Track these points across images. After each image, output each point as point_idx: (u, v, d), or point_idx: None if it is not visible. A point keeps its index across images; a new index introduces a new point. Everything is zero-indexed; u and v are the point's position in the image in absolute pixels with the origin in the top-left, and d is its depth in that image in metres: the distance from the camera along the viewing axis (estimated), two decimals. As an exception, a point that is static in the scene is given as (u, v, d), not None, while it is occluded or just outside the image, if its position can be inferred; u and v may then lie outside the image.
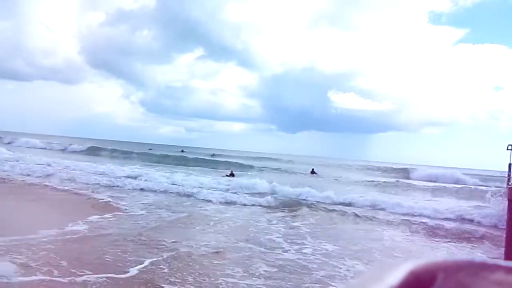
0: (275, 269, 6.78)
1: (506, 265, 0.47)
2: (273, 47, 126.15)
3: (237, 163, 32.37)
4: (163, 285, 5.67)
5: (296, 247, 8.44)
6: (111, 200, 12.86)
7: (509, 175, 10.87)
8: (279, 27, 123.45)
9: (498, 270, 0.46)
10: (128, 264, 6.41)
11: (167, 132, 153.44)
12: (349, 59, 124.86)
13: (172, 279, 5.91)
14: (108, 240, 7.79)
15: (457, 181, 29.10)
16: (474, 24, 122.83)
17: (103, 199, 13.02)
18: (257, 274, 6.44)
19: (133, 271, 6.11)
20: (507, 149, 10.68)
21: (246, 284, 5.98)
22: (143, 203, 12.74)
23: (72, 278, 5.59)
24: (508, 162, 10.90)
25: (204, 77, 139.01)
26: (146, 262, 6.54)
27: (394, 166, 40.37)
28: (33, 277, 5.51)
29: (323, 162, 43.93)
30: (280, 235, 9.47)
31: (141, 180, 18.01)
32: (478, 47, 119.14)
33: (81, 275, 5.70)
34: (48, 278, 5.51)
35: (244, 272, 6.48)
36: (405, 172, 35.41)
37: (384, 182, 26.08)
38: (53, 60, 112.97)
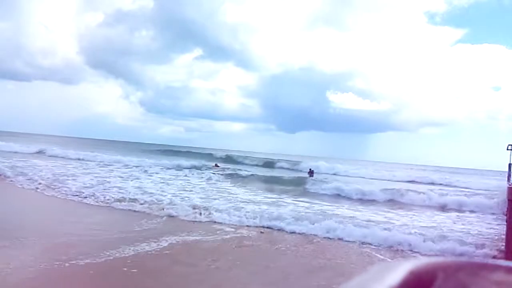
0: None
1: (506, 265, 0.47)
2: (271, 48, 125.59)
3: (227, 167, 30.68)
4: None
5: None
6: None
7: (509, 175, 10.92)
8: (277, 27, 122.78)
9: (498, 270, 0.46)
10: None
11: (166, 132, 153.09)
12: (347, 59, 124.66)
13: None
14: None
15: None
16: (473, 24, 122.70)
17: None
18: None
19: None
20: (507, 149, 10.72)
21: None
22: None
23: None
24: (508, 162, 10.95)
25: (203, 77, 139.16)
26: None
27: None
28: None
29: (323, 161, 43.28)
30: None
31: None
32: (477, 47, 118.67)
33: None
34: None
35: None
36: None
37: None
38: (52, 60, 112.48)
